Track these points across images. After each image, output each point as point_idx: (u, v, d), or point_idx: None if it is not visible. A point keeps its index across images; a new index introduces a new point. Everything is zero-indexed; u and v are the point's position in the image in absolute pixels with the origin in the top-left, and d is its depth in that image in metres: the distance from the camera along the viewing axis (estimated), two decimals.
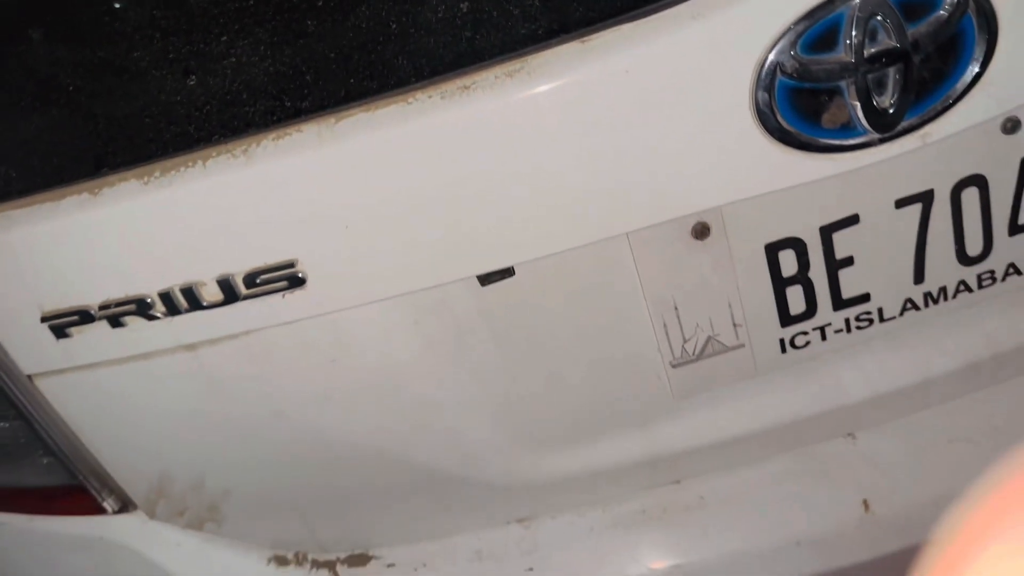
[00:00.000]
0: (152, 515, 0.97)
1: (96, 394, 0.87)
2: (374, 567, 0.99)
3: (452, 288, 0.80)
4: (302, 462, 0.91)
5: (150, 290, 0.78)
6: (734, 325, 0.87)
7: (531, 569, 0.95)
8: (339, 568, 1.00)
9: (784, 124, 0.71)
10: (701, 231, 0.82)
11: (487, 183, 0.73)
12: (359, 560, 1.00)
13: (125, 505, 0.97)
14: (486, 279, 0.80)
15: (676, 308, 0.86)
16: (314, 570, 1.00)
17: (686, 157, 0.73)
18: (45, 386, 0.86)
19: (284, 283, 0.76)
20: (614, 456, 0.93)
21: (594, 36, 0.69)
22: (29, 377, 0.85)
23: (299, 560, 1.01)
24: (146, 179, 0.74)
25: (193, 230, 0.76)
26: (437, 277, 0.77)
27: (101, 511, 0.96)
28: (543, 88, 0.69)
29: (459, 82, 0.70)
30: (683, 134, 0.72)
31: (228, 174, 0.73)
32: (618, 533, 0.95)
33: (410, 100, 0.71)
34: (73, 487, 0.94)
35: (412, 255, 0.76)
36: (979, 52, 0.69)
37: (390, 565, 0.99)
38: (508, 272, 0.80)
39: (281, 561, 1.00)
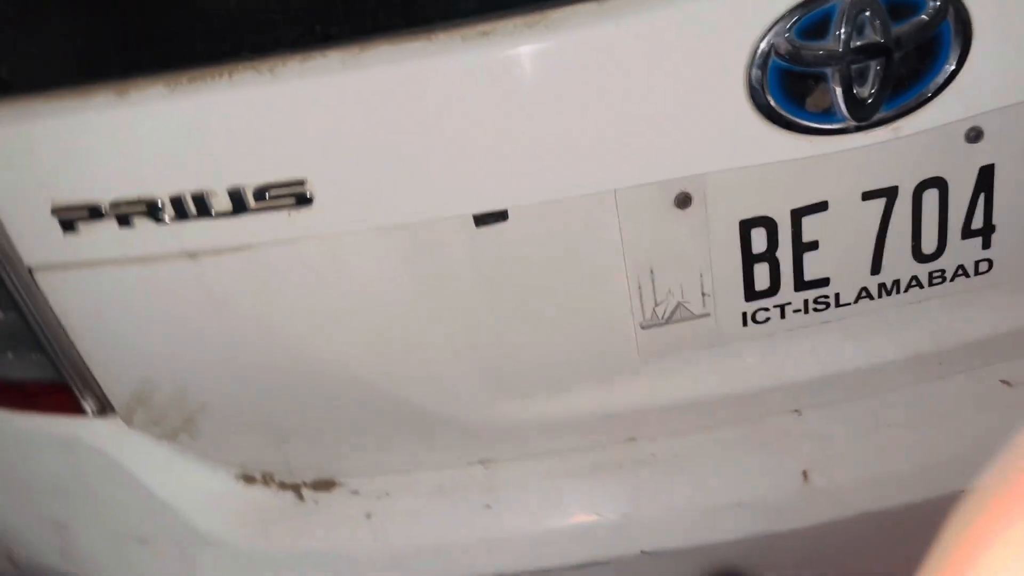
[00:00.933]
0: (129, 422, 1.00)
1: (93, 293, 0.90)
2: (338, 493, 1.04)
3: (448, 224, 0.85)
4: (283, 383, 0.95)
5: (162, 193, 0.82)
6: (703, 294, 0.94)
7: (489, 506, 1.00)
8: (304, 491, 1.04)
9: (772, 102, 0.77)
10: (683, 200, 0.88)
11: (494, 126, 0.78)
12: (324, 485, 1.04)
13: (104, 409, 1.00)
14: (481, 220, 0.85)
15: (652, 271, 0.92)
16: (279, 491, 1.04)
17: (679, 123, 0.79)
18: (44, 280, 0.89)
19: (292, 200, 0.81)
20: (578, 408, 0.99)
21: None
22: (30, 270, 0.89)
23: (266, 480, 1.05)
24: (173, 86, 0.78)
25: (211, 139, 0.80)
26: (436, 211, 0.82)
27: (80, 412, 0.99)
28: (558, 42, 0.75)
29: (481, 27, 0.75)
30: (679, 101, 0.78)
31: (252, 89, 0.77)
32: (573, 481, 1.00)
33: (432, 39, 0.76)
34: (56, 385, 0.97)
35: (415, 187, 0.81)
36: (953, 57, 0.76)
37: (354, 492, 1.03)
38: (502, 215, 0.85)
39: (248, 480, 1.04)
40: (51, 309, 0.91)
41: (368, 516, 1.01)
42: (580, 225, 0.88)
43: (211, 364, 0.94)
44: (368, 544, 1.00)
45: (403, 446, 1.02)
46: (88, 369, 0.96)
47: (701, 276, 0.93)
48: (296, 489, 1.04)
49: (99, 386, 0.98)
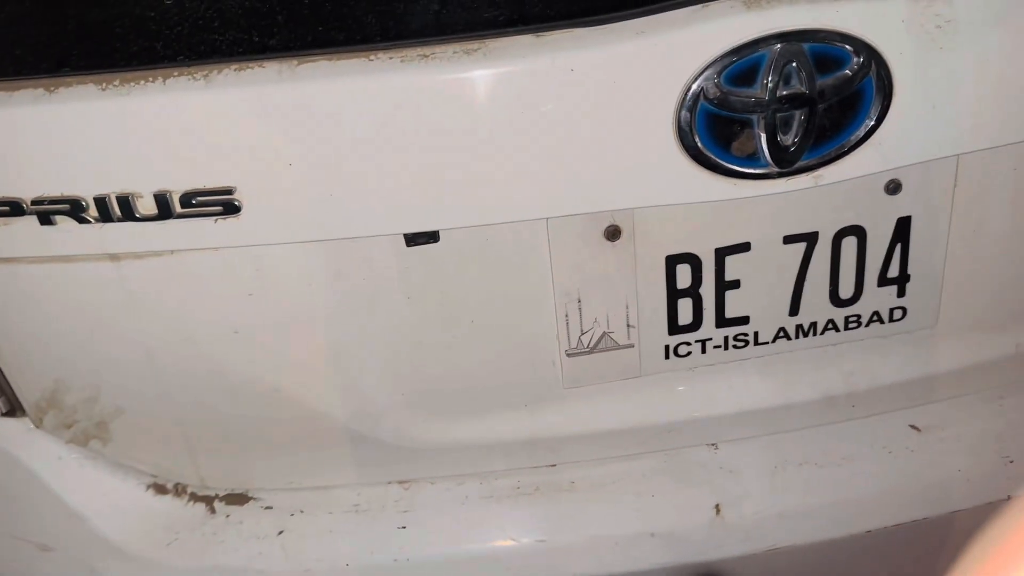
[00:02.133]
0: (39, 424, 0.97)
1: (9, 290, 0.88)
2: (251, 508, 1.02)
3: (378, 243, 0.85)
4: (200, 391, 0.94)
5: (87, 193, 0.80)
6: (628, 326, 0.95)
7: (404, 527, 0.99)
8: (216, 504, 1.02)
9: (699, 144, 0.79)
10: (613, 233, 0.89)
11: (428, 149, 0.79)
12: (238, 499, 1.03)
13: (13, 409, 0.97)
14: (412, 239, 0.85)
15: (579, 300, 0.93)
16: (191, 503, 1.02)
17: (609, 158, 0.81)
18: None
19: (219, 208, 0.80)
20: (501, 432, 0.99)
21: (549, 33, 0.76)
22: None
23: (178, 491, 1.03)
24: (104, 86, 0.77)
25: (141, 142, 0.79)
26: (367, 229, 0.82)
27: None
28: (496, 70, 0.76)
29: (421, 50, 0.76)
30: (610, 136, 0.80)
31: (186, 94, 0.77)
32: (491, 505, 1.00)
33: (371, 58, 0.76)
34: None
35: (346, 204, 0.81)
36: (874, 112, 0.79)
37: (267, 508, 1.02)
38: (433, 236, 0.85)
39: (160, 489, 1.02)
40: None
41: (280, 532, 1.00)
42: (511, 251, 0.89)
43: (127, 368, 0.92)
44: (278, 561, 0.98)
45: (320, 462, 1.01)
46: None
47: (627, 308, 0.94)
48: (208, 501, 1.02)
49: (8, 385, 0.95)
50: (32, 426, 0.98)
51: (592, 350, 0.96)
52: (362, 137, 0.78)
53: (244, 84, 0.77)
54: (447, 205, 0.82)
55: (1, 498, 1.00)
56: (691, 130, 0.78)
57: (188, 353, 0.91)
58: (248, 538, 1.00)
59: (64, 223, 0.82)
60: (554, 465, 1.03)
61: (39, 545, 0.99)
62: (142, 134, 0.79)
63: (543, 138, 0.79)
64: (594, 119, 0.78)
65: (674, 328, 0.96)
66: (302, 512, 1.01)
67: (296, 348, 0.91)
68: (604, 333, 0.96)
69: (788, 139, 0.79)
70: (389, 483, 1.03)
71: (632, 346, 0.96)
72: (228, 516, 1.01)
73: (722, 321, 0.96)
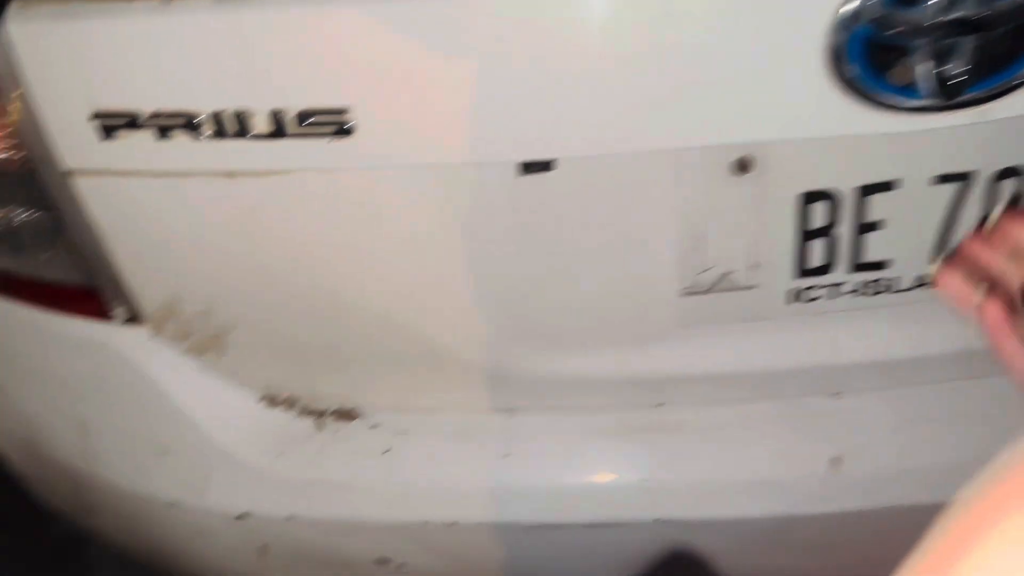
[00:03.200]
0: (158, 333, 1.00)
1: (129, 202, 0.89)
2: (359, 425, 1.03)
3: (491, 169, 0.81)
4: (311, 311, 0.94)
5: (203, 108, 0.79)
6: (751, 266, 0.89)
7: (508, 455, 0.98)
8: (325, 419, 1.04)
9: (851, 72, 0.71)
10: (743, 166, 0.83)
11: (551, 71, 0.74)
12: (346, 415, 1.04)
13: (134, 317, 1.00)
14: (527, 167, 0.81)
15: (701, 237, 0.88)
16: (301, 416, 1.04)
17: (748, 85, 0.74)
18: (81, 184, 0.88)
19: (332, 128, 0.78)
20: (608, 368, 0.96)
21: None
22: (68, 172, 0.87)
23: (289, 404, 1.04)
24: None
25: (258, 57, 0.77)
26: (483, 155, 0.79)
27: (109, 318, 0.99)
28: None
29: None
30: (751, 62, 0.73)
31: (306, 7, 0.74)
32: (594, 440, 0.98)
33: None
34: (87, 289, 0.97)
35: (461, 128, 0.77)
36: None
37: (374, 426, 1.03)
38: (548, 165, 0.81)
39: (271, 401, 1.04)
40: (86, 213, 0.90)
41: (386, 451, 1.01)
42: (631, 182, 0.84)
43: (240, 284, 0.93)
44: (382, 478, 0.99)
45: (427, 386, 1.00)
46: (120, 276, 0.95)
47: (752, 247, 0.88)
48: (318, 416, 1.04)
49: (130, 294, 0.97)
50: (151, 335, 1.00)
51: (710, 290, 0.91)
52: (480, 57, 0.74)
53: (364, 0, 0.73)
54: (566, 133, 0.77)
55: (123, 402, 1.04)
56: (843, 55, 0.71)
57: (300, 272, 0.90)
58: (354, 454, 1.01)
59: (180, 138, 0.81)
60: (661, 404, 1.00)
61: (158, 447, 1.04)
62: (259, 48, 0.77)
63: (676, 63, 0.73)
64: (734, 41, 0.72)
65: (803, 270, 0.89)
66: (407, 433, 1.02)
67: (405, 271, 0.90)
68: (725, 273, 0.90)
69: (954, 68, 0.71)
70: (494, 411, 1.02)
71: (754, 287, 0.91)
72: (336, 432, 1.03)
73: (858, 265, 0.88)
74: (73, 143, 0.85)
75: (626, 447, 0.98)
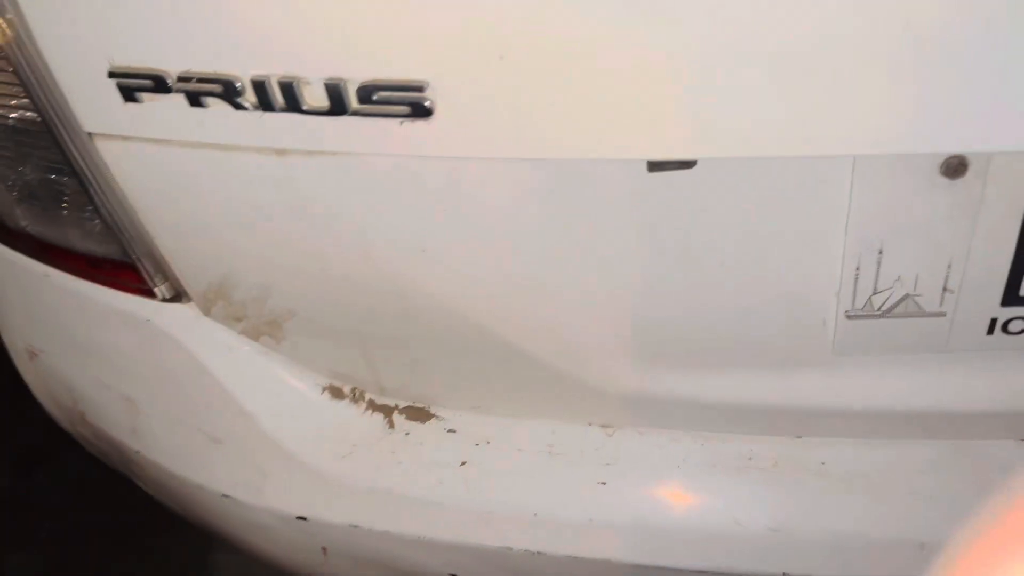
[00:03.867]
0: (207, 313, 0.86)
1: (163, 173, 0.73)
2: (433, 428, 0.88)
3: (611, 166, 0.62)
4: (380, 305, 0.78)
5: (242, 73, 0.61)
6: (944, 289, 0.68)
7: (604, 483, 0.83)
8: (395, 416, 0.90)
9: None
10: (955, 168, 0.61)
11: (708, 55, 0.53)
12: (418, 414, 0.89)
13: (179, 295, 0.86)
14: (659, 164, 0.61)
15: (880, 252, 0.67)
16: (369, 411, 0.90)
17: (980, 81, 0.52)
18: (106, 149, 0.73)
19: (406, 108, 0.59)
20: (736, 393, 0.78)
21: None
22: (90, 135, 0.72)
23: (355, 396, 0.90)
24: None
25: (310, 10, 0.58)
26: (599, 151, 0.59)
27: (151, 295, 0.85)
28: None
29: None
30: (986, 53, 0.50)
31: None
32: (714, 474, 0.81)
33: None
34: (124, 263, 0.83)
35: (578, 117, 0.57)
36: None
37: (451, 431, 0.88)
38: (688, 163, 0.61)
39: (336, 393, 0.90)
40: (114, 182, 0.75)
41: (463, 464, 0.86)
42: (793, 187, 0.63)
43: (299, 272, 0.77)
44: (459, 496, 0.85)
45: (510, 388, 0.84)
46: (158, 252, 0.81)
47: (949, 266, 0.67)
48: (387, 413, 0.90)
49: (172, 271, 0.83)
50: (200, 314, 0.86)
51: (884, 314, 0.71)
52: (611, 25, 0.53)
53: None
54: (716, 129, 0.57)
55: (171, 384, 0.92)
56: None
57: (366, 264, 0.74)
58: (428, 464, 0.87)
59: (217, 106, 0.64)
60: (800, 436, 0.81)
61: (210, 436, 0.92)
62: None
63: (879, 50, 0.51)
64: (971, 23, 0.49)
65: (1011, 298, 0.68)
66: (488, 444, 0.87)
67: (492, 271, 0.72)
68: (907, 295, 0.69)
69: None
70: (590, 424, 0.85)
71: (943, 315, 0.70)
72: (408, 434, 0.89)
73: None
74: (91, 104, 0.69)
75: (753, 487, 0.80)
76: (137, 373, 0.93)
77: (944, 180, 0.62)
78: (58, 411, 1.06)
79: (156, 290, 0.84)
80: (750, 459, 0.81)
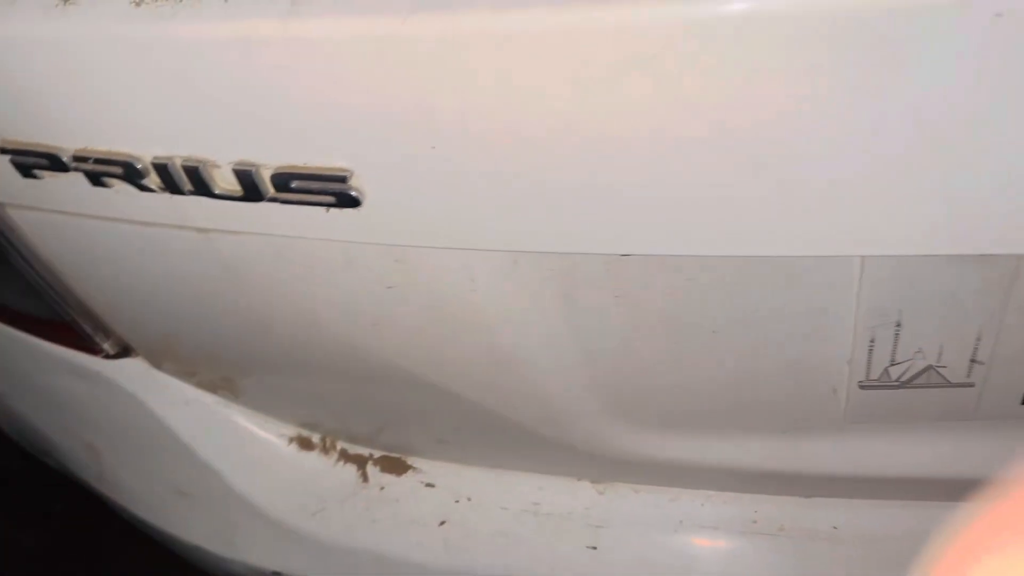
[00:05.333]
0: (158, 368, 0.79)
1: (83, 242, 0.65)
2: (410, 481, 0.82)
3: (581, 258, 0.53)
4: (336, 369, 0.70)
5: (141, 153, 0.53)
6: (972, 361, 0.59)
7: (594, 548, 0.76)
8: (369, 468, 0.83)
9: None
10: None
11: (686, 144, 0.43)
12: (394, 465, 0.83)
13: (126, 350, 0.79)
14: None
15: (898, 325, 0.57)
16: (341, 462, 0.83)
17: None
18: (19, 216, 0.64)
19: (329, 197, 0.50)
20: (739, 457, 0.70)
21: None
22: (1, 204, 0.64)
23: (325, 447, 0.84)
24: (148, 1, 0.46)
25: (210, 86, 0.48)
26: (562, 245, 0.50)
27: (95, 352, 0.78)
28: None
29: None
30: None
31: (281, 25, 0.44)
32: (715, 538, 0.74)
33: None
34: (62, 323, 0.76)
35: (527, 211, 0.48)
36: None
37: (429, 485, 0.81)
38: None
39: (304, 444, 0.83)
40: (31, 247, 0.67)
41: (442, 523, 0.79)
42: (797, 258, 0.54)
43: (243, 338, 0.69)
44: (439, 557, 0.79)
45: (494, 449, 0.77)
46: (94, 313, 0.74)
47: (979, 339, 0.58)
48: (361, 464, 0.83)
49: (113, 330, 0.76)
50: (152, 368, 0.80)
51: (903, 384, 0.62)
52: (559, 105, 0.44)
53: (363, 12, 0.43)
54: (696, 229, 0.47)
55: (129, 435, 0.86)
56: None
57: (315, 338, 0.66)
58: (405, 522, 0.80)
59: (121, 187, 0.55)
60: (809, 496, 0.73)
61: (175, 488, 0.86)
62: (212, 73, 0.48)
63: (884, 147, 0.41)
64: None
65: None
66: (469, 500, 0.80)
67: (454, 348, 0.64)
68: (929, 367, 0.60)
69: None
70: (580, 479, 0.78)
71: (971, 386, 0.61)
72: (383, 488, 0.82)
73: None
74: None
75: (758, 553, 0.73)
76: (96, 422, 0.87)
77: (970, 257, 0.52)
78: (29, 447, 1.01)
79: (100, 347, 0.77)
80: (754, 521, 0.74)
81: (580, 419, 0.69)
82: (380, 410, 0.76)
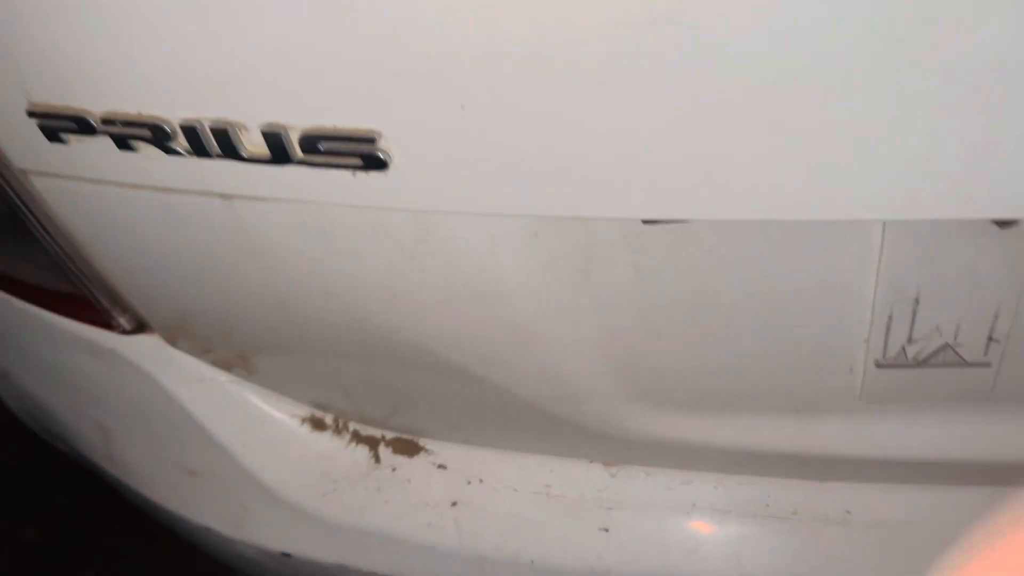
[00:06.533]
0: (173, 345, 0.79)
1: (104, 212, 0.65)
2: (422, 463, 0.82)
3: (599, 225, 0.53)
4: (350, 346, 0.70)
5: (169, 115, 0.53)
6: (989, 339, 0.60)
7: (606, 530, 0.76)
8: (381, 449, 0.83)
9: None
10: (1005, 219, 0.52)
11: (715, 105, 0.44)
12: (406, 447, 0.83)
13: (141, 326, 0.79)
14: (653, 220, 0.52)
15: (916, 301, 0.58)
16: (353, 444, 0.83)
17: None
18: (42, 185, 0.65)
19: (356, 160, 0.51)
20: (752, 438, 0.70)
21: None
22: (23, 171, 0.64)
23: (338, 428, 0.84)
24: None
25: (242, 49, 0.49)
26: (585, 208, 0.50)
27: (111, 327, 0.79)
28: None
29: None
30: None
31: None
32: (727, 521, 0.74)
33: None
34: (79, 297, 0.76)
35: (555, 173, 0.48)
36: None
37: (440, 467, 0.81)
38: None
39: (317, 424, 0.84)
40: (53, 217, 0.67)
41: (454, 504, 0.80)
42: (818, 232, 0.54)
43: (259, 313, 0.70)
44: (450, 539, 0.79)
45: (507, 430, 0.77)
46: (112, 286, 0.74)
47: (996, 316, 0.58)
48: (372, 445, 0.83)
49: (129, 304, 0.76)
50: (166, 344, 0.80)
51: (920, 363, 0.62)
52: (592, 78, 0.44)
53: None
54: (720, 189, 0.48)
55: (142, 413, 0.86)
56: None
57: (330, 306, 0.66)
58: (416, 504, 0.80)
59: (147, 151, 0.56)
60: (822, 481, 0.74)
61: (186, 468, 0.86)
62: (243, 34, 0.49)
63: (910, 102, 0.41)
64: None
65: None
66: (481, 482, 0.80)
67: (471, 320, 0.64)
68: (945, 344, 0.61)
69: None
70: (592, 461, 0.78)
71: (987, 365, 0.61)
72: (395, 470, 0.82)
73: None
74: (17, 141, 0.61)
75: (771, 537, 0.73)
76: (107, 401, 0.87)
77: (993, 228, 0.53)
78: (38, 428, 1.01)
79: (116, 322, 0.78)
80: (768, 505, 0.74)
81: (594, 398, 0.69)
82: (393, 391, 0.76)
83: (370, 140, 0.49)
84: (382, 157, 0.50)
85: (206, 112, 0.52)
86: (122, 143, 0.56)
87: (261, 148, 0.52)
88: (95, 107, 0.55)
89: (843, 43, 0.42)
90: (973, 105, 0.42)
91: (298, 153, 0.51)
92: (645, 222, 0.52)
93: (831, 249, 0.55)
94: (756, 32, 0.42)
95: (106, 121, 0.55)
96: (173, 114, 0.53)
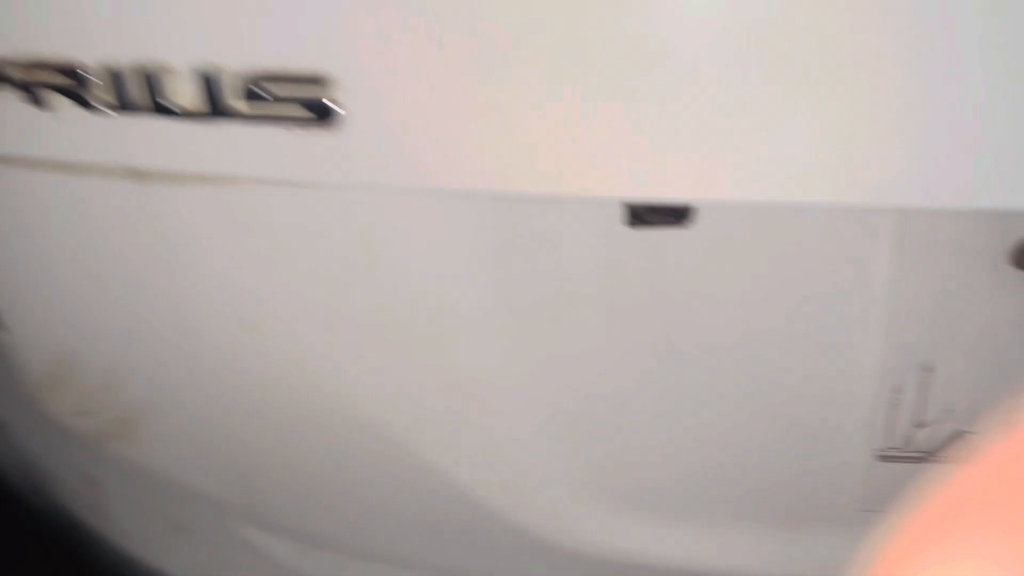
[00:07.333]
0: (45, 406, 0.66)
1: None
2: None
3: (575, 214, 0.46)
4: (261, 404, 0.59)
5: (89, 55, 0.46)
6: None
7: None
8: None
9: None
10: None
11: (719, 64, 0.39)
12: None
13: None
14: (639, 217, 0.45)
15: (925, 369, 0.50)
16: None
17: None
18: None
19: (301, 109, 0.43)
20: (728, 557, 0.59)
21: None
22: None
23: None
24: None
25: None
26: (563, 186, 0.43)
27: None
28: None
29: None
30: None
31: None
32: None
33: None
34: None
35: (538, 138, 0.42)
36: None
37: None
38: (679, 215, 0.45)
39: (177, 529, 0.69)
40: None
41: None
42: (811, 261, 0.47)
43: (162, 351, 0.58)
44: None
45: (445, 542, 0.64)
46: None
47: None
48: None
49: None
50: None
51: (931, 453, 0.53)
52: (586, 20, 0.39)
53: None
54: (711, 168, 0.41)
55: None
56: None
57: (246, 340, 0.55)
58: None
59: (64, 108, 0.48)
60: None
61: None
62: None
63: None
64: None
65: None
66: None
67: (413, 365, 0.54)
68: (959, 431, 0.52)
69: None
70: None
71: None
72: None
73: None
74: None
75: None
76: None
77: (1015, 271, 0.47)
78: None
79: None
80: None
81: (541, 487, 0.58)
82: (297, 477, 0.64)
83: (319, 81, 0.42)
84: (333, 108, 0.43)
85: (128, 50, 0.45)
86: (34, 97, 0.47)
87: (193, 96, 0.44)
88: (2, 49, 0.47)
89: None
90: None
91: (234, 102, 0.44)
92: (632, 222, 0.45)
93: (824, 296, 0.48)
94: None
95: (12, 63, 0.47)
96: (91, 52, 0.45)
